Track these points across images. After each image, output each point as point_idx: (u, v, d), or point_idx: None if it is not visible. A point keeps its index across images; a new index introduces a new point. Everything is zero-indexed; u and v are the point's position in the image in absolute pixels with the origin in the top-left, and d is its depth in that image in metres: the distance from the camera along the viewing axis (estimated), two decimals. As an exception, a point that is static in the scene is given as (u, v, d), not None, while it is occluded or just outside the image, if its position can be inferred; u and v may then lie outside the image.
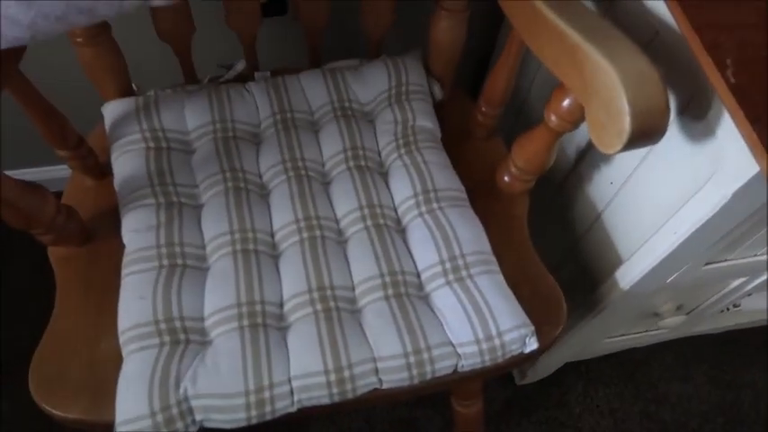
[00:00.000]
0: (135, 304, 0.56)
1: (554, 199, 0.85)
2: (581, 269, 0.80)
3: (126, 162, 0.66)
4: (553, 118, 0.57)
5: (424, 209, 0.65)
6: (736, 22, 0.47)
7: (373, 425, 1.00)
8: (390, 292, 0.59)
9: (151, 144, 0.67)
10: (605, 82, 0.48)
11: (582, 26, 0.52)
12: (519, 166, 0.66)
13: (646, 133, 0.47)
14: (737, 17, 0.47)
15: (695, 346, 1.13)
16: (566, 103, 0.55)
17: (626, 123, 0.46)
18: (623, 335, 0.93)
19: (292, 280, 0.60)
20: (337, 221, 0.65)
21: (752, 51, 0.45)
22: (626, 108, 0.46)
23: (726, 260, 0.68)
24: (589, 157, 0.75)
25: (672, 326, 0.84)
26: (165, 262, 0.59)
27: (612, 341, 0.93)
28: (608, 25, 0.51)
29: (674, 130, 0.58)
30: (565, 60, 0.53)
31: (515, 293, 0.62)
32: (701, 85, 0.53)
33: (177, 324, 0.56)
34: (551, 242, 0.87)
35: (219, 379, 0.53)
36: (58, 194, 0.62)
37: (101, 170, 0.69)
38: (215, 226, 0.62)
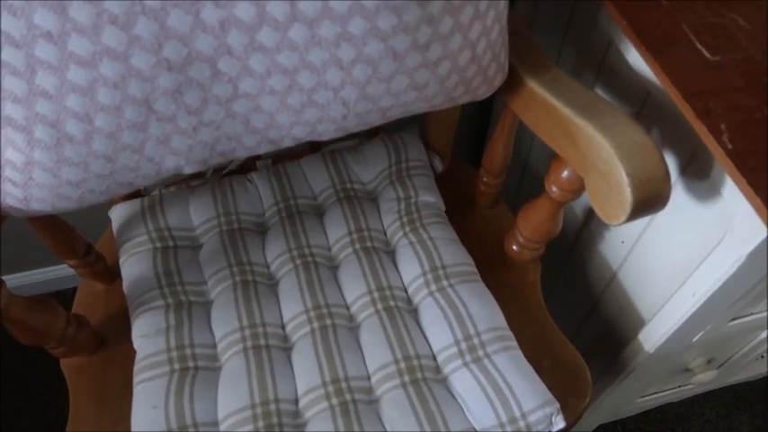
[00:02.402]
0: (147, 415, 0.55)
1: (566, 261, 0.84)
2: (601, 332, 0.77)
3: (134, 264, 0.66)
4: (554, 189, 0.57)
5: (434, 287, 0.64)
6: (723, 86, 0.47)
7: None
8: (407, 378, 0.58)
9: (158, 244, 0.68)
10: (601, 155, 0.48)
11: (573, 100, 0.52)
12: (526, 236, 0.65)
13: (649, 202, 0.46)
14: (724, 82, 0.47)
15: (735, 394, 1.08)
16: (564, 174, 0.55)
17: (627, 195, 0.45)
18: (657, 392, 0.89)
19: (306, 374, 0.58)
20: (348, 307, 0.65)
21: (743, 115, 0.45)
22: (625, 180, 0.45)
23: (751, 314, 0.66)
24: (597, 217, 0.74)
25: (705, 381, 0.81)
26: (177, 366, 0.59)
27: (646, 399, 0.89)
28: (598, 98, 0.52)
29: (679, 189, 0.58)
30: (559, 134, 0.53)
31: (536, 367, 0.60)
32: (701, 144, 0.52)
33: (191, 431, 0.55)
34: (568, 306, 0.85)
35: (237, 489, 0.51)
36: (64, 294, 0.62)
37: (110, 274, 0.69)
38: (225, 323, 0.62)
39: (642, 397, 0.88)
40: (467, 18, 0.47)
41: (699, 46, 0.49)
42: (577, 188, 0.55)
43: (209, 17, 0.40)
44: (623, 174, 0.45)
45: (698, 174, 0.54)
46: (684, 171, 0.56)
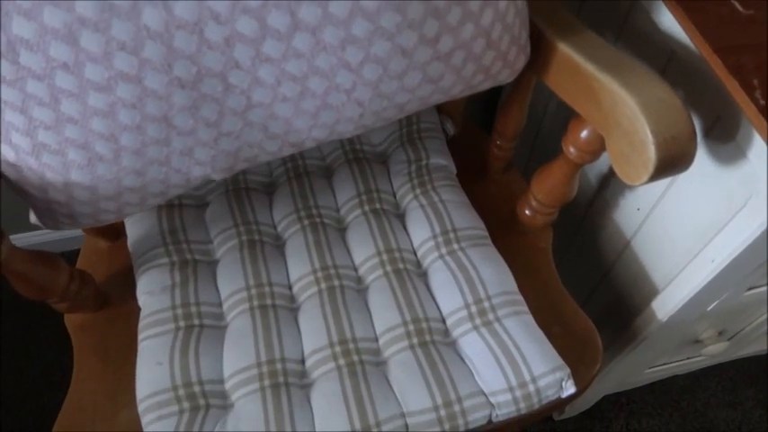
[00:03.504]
0: (152, 371, 0.55)
1: (579, 228, 0.82)
2: (613, 300, 0.76)
3: (138, 222, 0.65)
4: (572, 149, 0.55)
5: (444, 250, 0.63)
6: (756, 41, 0.44)
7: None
8: (415, 340, 0.57)
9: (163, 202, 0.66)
10: (625, 112, 0.46)
11: (596, 56, 0.50)
12: (539, 200, 0.63)
13: (673, 162, 0.45)
14: (757, 36, 0.45)
15: (741, 368, 1.08)
16: (584, 134, 0.53)
17: (651, 153, 0.44)
18: (665, 363, 0.88)
19: (313, 334, 0.57)
20: (356, 269, 0.63)
21: (778, 70, 0.43)
22: (650, 138, 0.43)
23: (768, 284, 0.65)
24: (613, 183, 0.72)
25: (715, 353, 0.80)
26: (182, 323, 0.58)
27: (653, 370, 0.89)
28: (623, 55, 0.50)
29: (701, 152, 0.56)
30: (581, 92, 0.51)
31: (546, 333, 0.59)
32: (727, 104, 0.50)
33: (196, 389, 0.54)
34: (579, 274, 0.83)
35: (242, 446, 0.51)
36: (70, 255, 0.61)
37: (115, 232, 0.68)
38: (231, 282, 0.61)
39: (650, 368, 0.88)
40: (476, 6, 0.45)
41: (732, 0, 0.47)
42: (597, 149, 0.54)
43: (214, 35, 0.40)
44: (648, 131, 0.44)
45: (722, 136, 0.52)
46: (708, 133, 0.54)
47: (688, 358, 0.89)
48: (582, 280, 0.83)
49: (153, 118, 0.44)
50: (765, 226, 0.48)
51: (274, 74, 0.44)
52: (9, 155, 0.45)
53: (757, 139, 0.47)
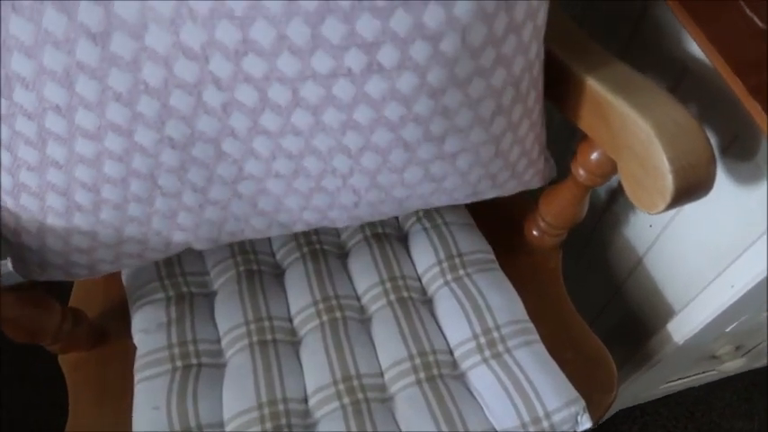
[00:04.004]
0: (149, 417, 0.52)
1: (587, 243, 0.80)
2: (624, 319, 0.74)
3: (133, 254, 0.63)
4: (581, 172, 0.53)
5: (450, 277, 0.60)
6: (778, 60, 0.42)
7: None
8: (422, 375, 0.54)
9: (157, 232, 0.64)
10: (638, 136, 0.43)
11: (604, 74, 0.47)
12: (548, 222, 0.61)
13: (691, 189, 0.42)
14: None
15: (755, 379, 1.05)
16: (593, 156, 0.51)
17: (668, 182, 0.41)
18: (679, 379, 0.86)
19: (315, 371, 0.55)
20: (358, 298, 0.61)
21: (802, 91, 0.40)
22: (666, 165, 0.41)
23: (790, 302, 0.62)
24: (623, 198, 0.69)
25: (731, 369, 0.77)
26: (179, 363, 0.56)
27: (668, 385, 0.86)
28: (633, 72, 0.47)
29: (718, 172, 0.53)
30: (588, 112, 0.48)
31: (558, 360, 0.56)
32: (746, 123, 0.48)
33: (195, 434, 0.52)
34: (588, 290, 0.81)
35: (244, 494, 0.48)
36: (60, 284, 0.58)
37: (108, 264, 0.66)
38: (229, 317, 0.58)
39: (665, 383, 0.85)
40: (487, 112, 0.44)
41: (749, 12, 0.44)
42: (607, 172, 0.51)
43: (212, 99, 0.39)
44: (664, 158, 0.41)
45: (741, 155, 0.50)
46: (725, 152, 0.51)
47: (703, 372, 0.86)
48: (591, 297, 0.80)
49: (138, 174, 0.42)
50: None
51: (270, 147, 0.42)
52: None
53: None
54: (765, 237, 0.48)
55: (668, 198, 0.41)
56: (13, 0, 0.35)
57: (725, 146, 0.51)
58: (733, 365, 0.75)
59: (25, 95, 0.37)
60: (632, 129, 0.44)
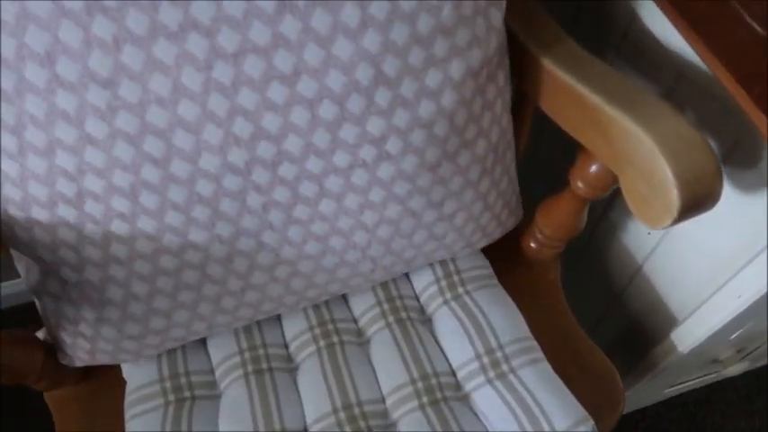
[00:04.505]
0: (142, 456, 0.50)
1: (583, 251, 0.78)
2: (625, 328, 0.73)
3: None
4: (580, 184, 0.51)
5: (449, 295, 0.59)
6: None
7: None
8: (425, 399, 0.53)
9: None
10: (640, 151, 0.42)
11: (601, 86, 0.46)
12: (546, 234, 0.59)
13: (698, 204, 0.41)
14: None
15: (755, 377, 1.04)
16: (593, 168, 0.49)
17: (674, 197, 0.40)
18: (681, 383, 0.85)
19: (314, 400, 0.53)
20: (355, 321, 0.59)
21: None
22: (672, 180, 0.40)
23: (793, 308, 0.61)
24: (620, 204, 0.68)
25: (734, 373, 0.76)
26: (171, 397, 0.53)
27: (669, 390, 0.85)
28: (631, 83, 0.46)
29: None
30: (586, 125, 0.47)
31: (562, 375, 0.55)
32: (747, 129, 0.46)
33: (191, 472, 0.49)
34: (585, 299, 0.80)
35: None
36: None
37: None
38: (222, 346, 0.56)
39: (667, 388, 0.84)
40: (475, 176, 0.51)
41: (748, 19, 0.43)
42: (608, 185, 0.50)
43: (254, 202, 0.45)
44: (669, 173, 0.40)
45: (743, 162, 0.48)
46: (726, 159, 0.50)
47: (705, 375, 0.86)
48: (589, 306, 0.79)
49: (191, 265, 0.47)
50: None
51: (302, 234, 0.48)
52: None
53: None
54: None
55: (675, 213, 0.40)
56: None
57: (725, 153, 0.50)
58: (735, 369, 0.75)
59: (95, 206, 0.44)
60: (635, 144, 0.42)
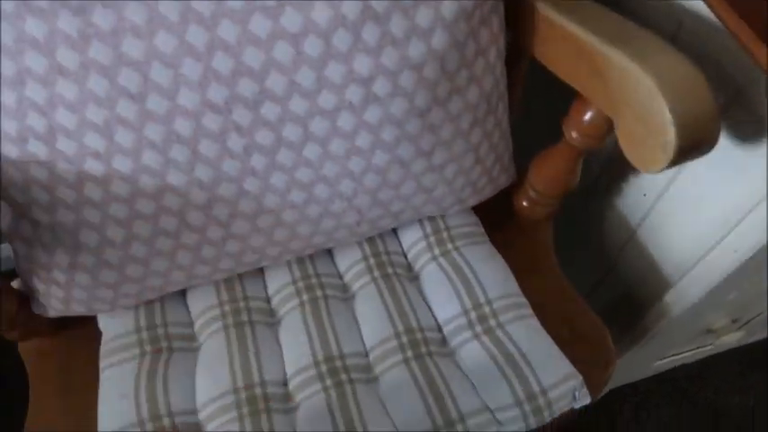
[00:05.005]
0: (115, 405, 0.49)
1: (578, 217, 0.77)
2: (619, 294, 0.71)
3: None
4: (574, 134, 0.50)
5: (437, 251, 0.57)
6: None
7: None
8: (410, 353, 0.51)
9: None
10: (638, 91, 0.40)
11: (599, 26, 0.44)
12: (539, 191, 0.58)
13: (695, 144, 0.39)
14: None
15: (750, 352, 1.03)
16: (588, 116, 0.48)
17: (671, 136, 0.38)
18: (674, 355, 0.84)
19: (295, 352, 0.52)
20: (340, 276, 0.58)
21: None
22: (669, 118, 0.38)
23: (791, 269, 0.60)
24: (616, 167, 0.66)
25: (728, 343, 0.75)
26: (148, 348, 0.52)
27: (662, 362, 0.84)
28: (628, 23, 0.44)
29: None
30: (582, 68, 0.45)
31: (552, 335, 0.53)
32: (749, 76, 0.45)
33: (166, 422, 0.48)
34: (580, 267, 0.78)
35: (221, 485, 0.45)
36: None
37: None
38: (202, 298, 0.55)
39: (659, 360, 0.83)
40: (466, 124, 0.49)
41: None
42: (602, 133, 0.48)
43: (235, 145, 0.44)
44: (666, 111, 0.38)
45: (743, 112, 0.47)
46: (727, 110, 0.48)
47: (698, 348, 0.84)
48: (584, 274, 0.78)
49: (169, 211, 0.46)
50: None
51: (285, 181, 0.47)
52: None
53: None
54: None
55: (670, 153, 0.38)
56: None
57: (726, 105, 0.48)
58: (729, 339, 0.73)
59: (67, 144, 0.42)
60: (633, 83, 0.40)
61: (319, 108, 0.44)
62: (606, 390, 0.92)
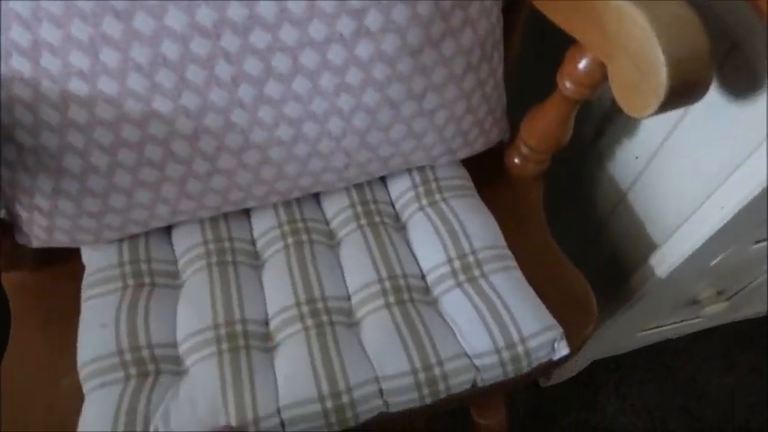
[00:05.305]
0: (95, 334, 0.49)
1: (570, 183, 0.76)
2: (607, 260, 0.71)
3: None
4: (567, 84, 0.49)
5: (425, 201, 0.57)
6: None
7: (389, 441, 0.92)
8: (392, 299, 0.51)
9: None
10: (633, 33, 0.39)
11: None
12: (531, 146, 0.57)
13: (686, 87, 0.39)
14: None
15: (735, 332, 1.04)
16: (582, 64, 0.47)
17: (663, 77, 0.38)
18: (658, 326, 0.84)
19: (278, 293, 0.52)
20: (327, 222, 0.57)
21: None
22: (661, 59, 0.37)
23: (778, 236, 0.60)
24: (609, 131, 0.66)
25: (713, 314, 0.75)
26: (131, 281, 0.52)
27: (646, 334, 0.85)
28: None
29: (711, 91, 0.50)
30: (581, 14, 0.45)
31: (536, 291, 0.53)
32: (747, 29, 0.44)
33: (145, 353, 0.48)
34: (570, 234, 0.78)
35: (196, 415, 0.45)
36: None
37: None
38: (187, 236, 0.55)
39: (642, 331, 0.83)
40: (459, 69, 0.49)
41: None
42: (596, 81, 0.47)
43: (223, 73, 0.43)
44: (660, 53, 0.37)
45: (738, 67, 0.46)
46: (722, 66, 0.48)
47: (682, 321, 0.85)
48: (576, 239, 0.78)
49: (154, 139, 0.45)
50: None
51: (273, 115, 0.46)
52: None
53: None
54: (762, 148, 0.44)
55: (662, 95, 0.38)
56: None
57: (721, 59, 0.48)
58: (714, 309, 0.73)
59: (52, 60, 0.41)
60: (629, 26, 0.40)
61: (310, 38, 0.43)
62: (591, 359, 0.93)
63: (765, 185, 0.45)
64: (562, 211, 0.81)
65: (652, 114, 0.40)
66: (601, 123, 0.68)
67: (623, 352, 0.96)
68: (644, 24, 0.38)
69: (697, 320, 0.85)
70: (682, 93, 0.38)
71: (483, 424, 0.78)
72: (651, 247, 0.61)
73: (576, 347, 0.53)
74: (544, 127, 0.55)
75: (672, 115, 0.55)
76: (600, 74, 0.46)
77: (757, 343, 1.04)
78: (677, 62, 0.37)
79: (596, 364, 0.97)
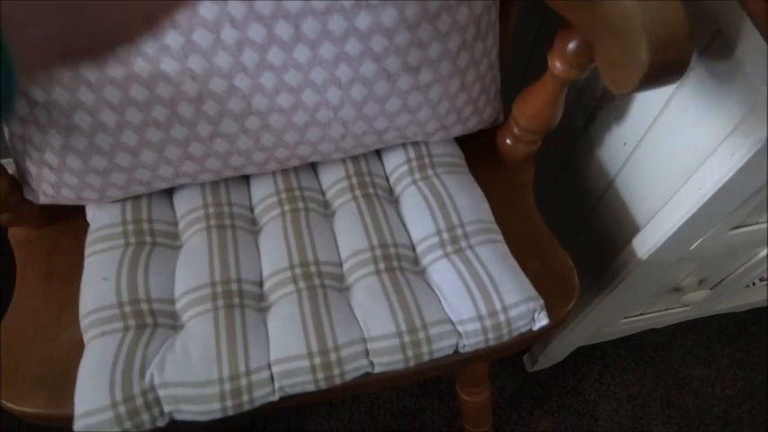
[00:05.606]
0: (97, 286, 0.51)
1: (563, 170, 0.79)
2: (596, 244, 0.73)
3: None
4: (558, 64, 0.51)
5: (418, 176, 0.59)
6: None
7: (376, 417, 0.94)
8: (382, 266, 0.53)
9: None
10: (617, 12, 0.41)
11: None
12: (522, 126, 0.59)
13: (666, 64, 0.41)
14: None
15: (718, 326, 1.06)
16: (572, 45, 0.49)
17: (643, 54, 0.40)
18: (642, 314, 0.86)
19: (273, 256, 0.54)
20: (323, 192, 0.60)
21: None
22: (643, 36, 0.39)
23: (756, 223, 0.62)
24: (599, 118, 0.68)
25: (695, 301, 0.78)
26: (132, 240, 0.54)
27: (630, 321, 0.87)
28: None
29: (696, 75, 0.52)
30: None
31: (521, 266, 0.55)
32: (728, 18, 0.46)
33: (144, 306, 0.50)
34: (562, 218, 0.80)
35: (190, 366, 0.47)
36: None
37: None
38: (187, 200, 0.57)
39: (626, 318, 0.85)
40: (454, 46, 0.51)
41: None
42: (585, 61, 0.49)
43: (228, 37, 0.45)
44: (641, 30, 0.39)
45: (719, 54, 0.48)
46: (704, 52, 0.50)
47: (666, 309, 0.87)
48: (565, 224, 0.80)
49: (161, 100, 0.47)
50: (761, 143, 0.44)
51: (274, 82, 0.48)
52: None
53: (761, 50, 0.43)
54: (738, 131, 0.47)
55: (641, 73, 0.40)
56: None
57: (703, 46, 0.50)
58: (696, 297, 0.76)
59: None
60: (613, 5, 0.42)
61: (312, 8, 0.45)
62: (574, 347, 0.95)
63: (743, 164, 0.47)
64: (554, 198, 0.83)
65: (633, 91, 0.42)
66: (591, 110, 0.70)
67: (608, 339, 0.99)
68: (627, 4, 0.41)
69: (681, 310, 0.87)
70: (661, 71, 0.41)
71: (469, 400, 0.81)
72: (635, 229, 0.64)
73: (557, 320, 0.55)
74: (535, 107, 0.57)
75: (657, 101, 0.57)
76: (588, 55, 0.49)
77: (738, 338, 1.06)
78: (657, 41, 0.39)
79: (581, 351, 0.99)
